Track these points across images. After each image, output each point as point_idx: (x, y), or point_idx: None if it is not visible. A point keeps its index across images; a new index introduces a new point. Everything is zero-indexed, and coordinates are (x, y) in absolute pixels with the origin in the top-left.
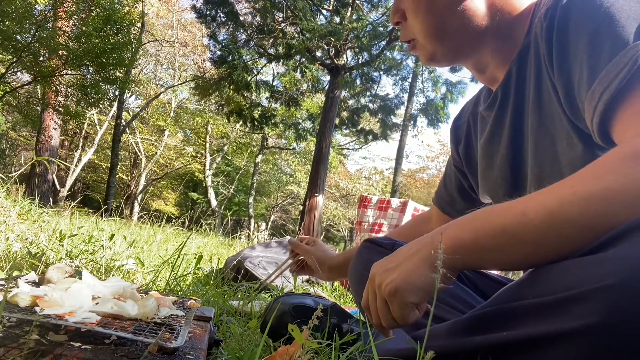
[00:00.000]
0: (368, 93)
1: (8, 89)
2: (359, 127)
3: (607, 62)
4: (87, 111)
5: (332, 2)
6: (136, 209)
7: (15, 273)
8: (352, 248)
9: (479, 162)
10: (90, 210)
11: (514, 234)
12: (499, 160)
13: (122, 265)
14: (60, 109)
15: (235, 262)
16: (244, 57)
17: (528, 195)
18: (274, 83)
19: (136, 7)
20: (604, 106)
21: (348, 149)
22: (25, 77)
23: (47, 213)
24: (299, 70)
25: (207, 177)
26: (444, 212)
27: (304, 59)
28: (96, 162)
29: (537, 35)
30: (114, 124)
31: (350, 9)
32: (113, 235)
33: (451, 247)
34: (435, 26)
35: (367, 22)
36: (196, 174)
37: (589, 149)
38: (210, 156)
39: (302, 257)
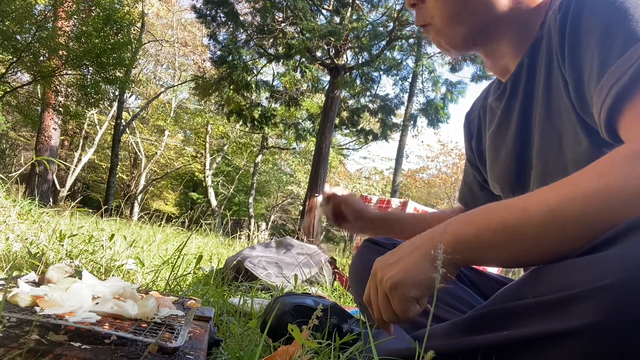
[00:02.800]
0: (368, 93)
1: (8, 89)
2: (359, 127)
3: (619, 56)
4: (87, 111)
5: (332, 2)
6: (136, 209)
7: (15, 273)
8: (395, 208)
9: (487, 154)
10: (90, 210)
11: (515, 230)
12: (504, 153)
13: (122, 265)
14: (60, 109)
15: (235, 262)
16: (244, 57)
17: (530, 192)
18: (274, 83)
19: (136, 7)
20: (612, 101)
21: (348, 149)
22: (25, 77)
23: (47, 213)
24: (299, 70)
25: (207, 177)
26: (468, 208)
27: (304, 59)
28: (96, 162)
29: (550, 28)
30: (114, 124)
31: (350, 9)
32: (113, 235)
33: (453, 242)
34: (457, 9)
35: (367, 22)
36: (196, 174)
37: (595, 145)
38: (210, 156)
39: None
